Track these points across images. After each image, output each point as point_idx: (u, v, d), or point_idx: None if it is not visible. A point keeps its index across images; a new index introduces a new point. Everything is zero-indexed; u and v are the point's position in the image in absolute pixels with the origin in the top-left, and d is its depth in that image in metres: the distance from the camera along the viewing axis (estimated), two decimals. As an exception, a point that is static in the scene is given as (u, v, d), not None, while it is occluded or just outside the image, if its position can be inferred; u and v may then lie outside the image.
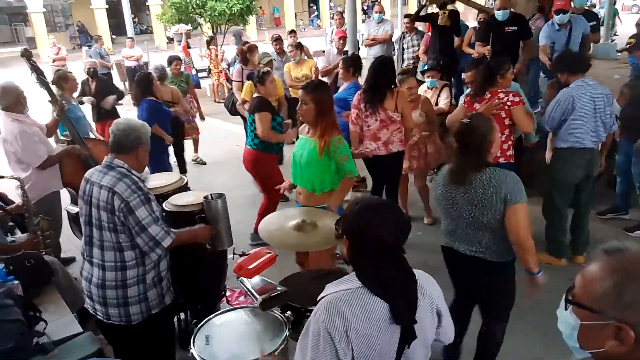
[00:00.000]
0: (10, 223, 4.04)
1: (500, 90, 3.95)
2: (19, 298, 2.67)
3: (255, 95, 4.85)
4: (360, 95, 4.48)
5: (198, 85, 12.15)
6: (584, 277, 1.14)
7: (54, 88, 5.30)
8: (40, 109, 5.61)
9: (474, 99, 4.06)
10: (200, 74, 14.48)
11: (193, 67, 13.12)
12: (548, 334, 3.30)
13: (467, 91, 4.49)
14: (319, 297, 1.65)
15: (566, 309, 1.16)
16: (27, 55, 4.27)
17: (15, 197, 4.21)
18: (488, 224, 2.59)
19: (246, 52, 6.99)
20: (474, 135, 2.61)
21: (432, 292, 1.70)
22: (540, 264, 4.18)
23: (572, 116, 3.95)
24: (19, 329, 2.48)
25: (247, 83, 6.10)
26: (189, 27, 14.24)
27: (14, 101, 4.00)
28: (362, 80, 5.10)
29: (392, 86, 4.43)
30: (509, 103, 3.88)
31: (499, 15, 6.15)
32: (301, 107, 3.25)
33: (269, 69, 5.27)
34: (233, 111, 7.00)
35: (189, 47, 13.49)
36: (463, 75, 5.25)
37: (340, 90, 5.44)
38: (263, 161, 4.74)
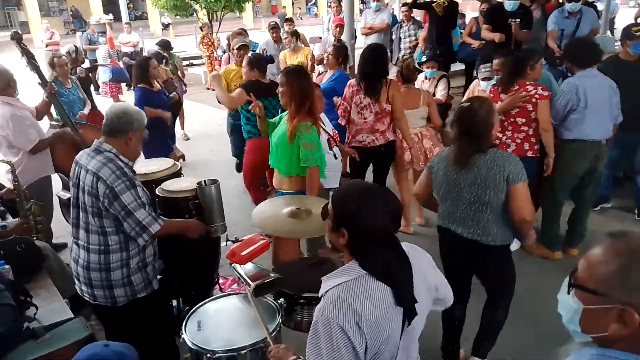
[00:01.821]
0: (1, 208, 4.01)
1: (528, 83, 3.85)
2: (9, 283, 2.64)
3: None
4: (352, 87, 4.35)
5: (121, 79, 10.35)
6: (588, 260, 1.13)
7: (49, 70, 5.28)
8: (30, 92, 5.53)
9: (502, 91, 3.95)
10: (195, 62, 14.41)
11: (120, 59, 11.64)
12: (540, 323, 3.34)
13: (493, 81, 4.41)
14: (320, 294, 1.62)
15: (569, 292, 1.15)
16: (17, 39, 4.21)
17: (6, 181, 4.17)
18: (490, 202, 2.66)
19: (231, 39, 6.96)
20: (476, 119, 2.64)
21: (422, 264, 1.70)
22: (535, 256, 4.27)
23: (578, 107, 3.90)
24: (10, 314, 2.46)
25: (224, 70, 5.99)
26: (110, 17, 13.11)
27: (4, 84, 3.95)
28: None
29: (384, 75, 4.33)
30: (537, 96, 3.78)
31: (509, 5, 6.07)
32: (279, 90, 3.31)
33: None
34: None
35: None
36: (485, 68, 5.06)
37: (324, 80, 5.23)
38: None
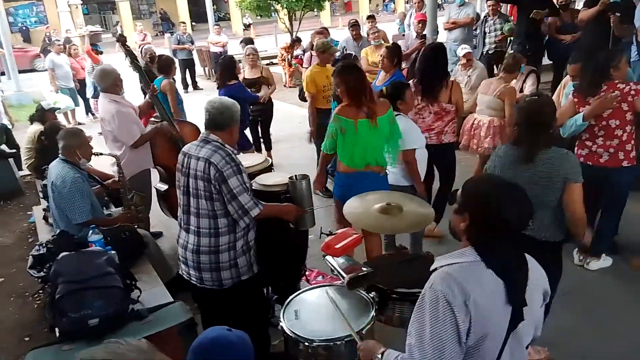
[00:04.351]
0: (106, 198, 4.34)
1: (618, 82, 3.54)
2: (118, 267, 2.85)
3: None
4: (412, 87, 4.33)
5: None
6: None
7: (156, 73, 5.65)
8: (133, 90, 5.85)
9: (587, 94, 3.62)
10: (274, 61, 14.70)
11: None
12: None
13: (572, 85, 4.13)
14: (431, 269, 1.66)
15: None
16: (122, 41, 4.51)
17: (110, 173, 4.48)
18: (548, 202, 2.66)
19: (313, 38, 7.06)
20: (544, 114, 2.66)
21: (540, 277, 1.71)
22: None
23: None
24: (119, 296, 2.66)
25: (307, 73, 5.96)
26: (97, 28, 12.08)
27: (111, 83, 4.24)
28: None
29: (446, 76, 4.38)
30: (632, 92, 3.47)
31: None
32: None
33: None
34: (302, 97, 7.10)
35: (100, 53, 10.32)
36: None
37: (378, 82, 5.14)
38: None
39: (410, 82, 4.46)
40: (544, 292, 1.73)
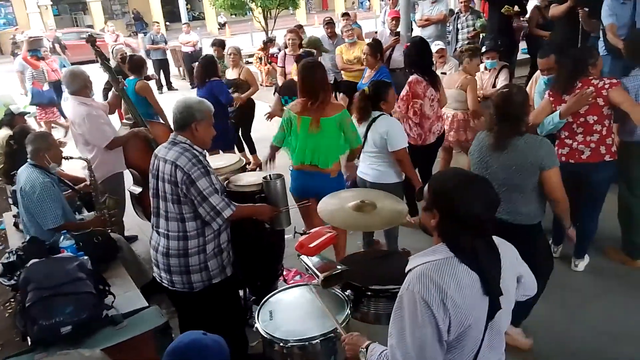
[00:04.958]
0: (78, 202, 4.26)
1: (592, 78, 3.54)
2: (90, 272, 2.80)
3: None
4: (421, 82, 4.42)
5: (52, 102, 8.87)
6: None
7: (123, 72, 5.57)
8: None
9: (563, 91, 3.58)
10: (250, 59, 14.64)
11: (46, 80, 9.05)
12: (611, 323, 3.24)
13: (545, 81, 4.12)
14: (406, 270, 1.66)
15: None
16: (91, 41, 4.42)
17: (82, 176, 4.40)
18: (519, 185, 2.80)
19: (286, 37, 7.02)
20: (513, 105, 2.79)
21: (511, 256, 1.73)
22: (615, 261, 4.03)
23: None
24: (92, 301, 2.61)
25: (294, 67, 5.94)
26: (37, 33, 11.69)
27: (81, 86, 4.17)
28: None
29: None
30: (606, 86, 3.46)
31: None
32: None
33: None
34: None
35: (41, 59, 9.54)
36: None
37: (365, 80, 5.22)
38: None
39: (415, 76, 4.49)
40: (517, 276, 1.76)
